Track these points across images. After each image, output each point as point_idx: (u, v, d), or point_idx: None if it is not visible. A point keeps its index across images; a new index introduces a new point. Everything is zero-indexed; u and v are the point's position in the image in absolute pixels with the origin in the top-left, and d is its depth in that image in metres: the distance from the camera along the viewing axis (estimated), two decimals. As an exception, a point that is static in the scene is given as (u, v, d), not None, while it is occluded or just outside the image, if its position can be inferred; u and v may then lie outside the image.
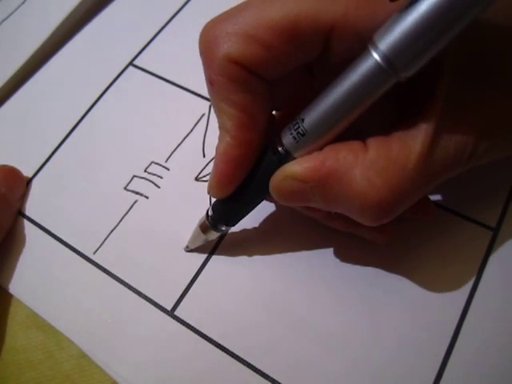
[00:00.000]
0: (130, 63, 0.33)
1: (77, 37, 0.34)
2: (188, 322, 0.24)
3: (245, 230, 0.26)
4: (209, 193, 0.22)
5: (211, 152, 0.29)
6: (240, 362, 0.23)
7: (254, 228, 0.26)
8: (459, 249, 0.25)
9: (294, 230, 0.26)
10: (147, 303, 0.25)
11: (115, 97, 0.31)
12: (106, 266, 0.26)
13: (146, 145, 0.29)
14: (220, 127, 0.21)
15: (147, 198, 0.28)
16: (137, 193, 0.28)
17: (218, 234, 0.24)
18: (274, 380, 0.23)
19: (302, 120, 0.19)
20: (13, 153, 0.30)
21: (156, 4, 0.35)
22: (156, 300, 0.25)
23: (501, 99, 0.19)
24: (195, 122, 0.30)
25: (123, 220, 0.27)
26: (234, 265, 0.25)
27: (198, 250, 0.26)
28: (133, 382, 0.23)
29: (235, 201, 0.22)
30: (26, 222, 0.28)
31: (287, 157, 0.20)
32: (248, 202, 0.22)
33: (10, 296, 0.26)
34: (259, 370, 0.23)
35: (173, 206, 0.27)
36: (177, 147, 0.29)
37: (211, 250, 0.26)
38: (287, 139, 0.20)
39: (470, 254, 0.24)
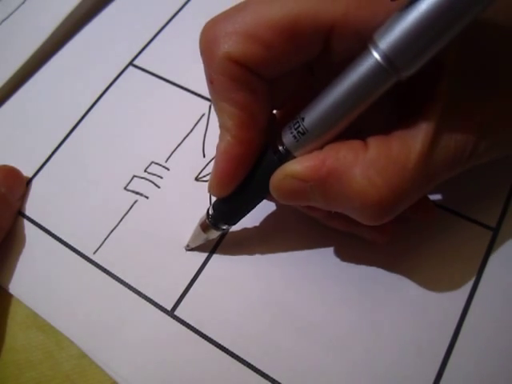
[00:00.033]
0: (130, 63, 0.33)
1: (77, 37, 0.34)
2: (188, 322, 0.24)
3: (245, 229, 0.26)
4: (209, 192, 0.22)
5: (211, 152, 0.29)
6: (240, 362, 0.23)
7: (255, 227, 0.26)
8: (459, 249, 0.25)
9: (295, 230, 0.26)
10: (147, 303, 0.25)
11: (115, 97, 0.31)
12: (106, 266, 0.26)
13: (146, 145, 0.29)
14: (220, 126, 0.21)
15: (147, 198, 0.28)
16: (137, 193, 0.28)
17: (219, 233, 0.24)
18: (273, 380, 0.23)
19: (303, 119, 0.19)
20: (13, 153, 0.30)
21: (156, 4, 0.35)
22: (156, 300, 0.25)
23: (501, 99, 0.19)
24: (195, 122, 0.30)
25: (123, 220, 0.27)
26: (234, 264, 0.25)
27: (199, 248, 0.26)
28: (133, 382, 0.23)
29: (236, 200, 0.22)
30: (26, 222, 0.28)
31: (287, 156, 0.20)
32: (248, 200, 0.22)
33: (10, 296, 0.26)
34: (259, 370, 0.23)
35: (173, 206, 0.27)
36: (177, 147, 0.29)
37: (212, 249, 0.26)
38: (287, 138, 0.20)
39: (470, 253, 0.24)
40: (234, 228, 0.25)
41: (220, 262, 0.25)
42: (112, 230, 0.27)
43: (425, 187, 0.19)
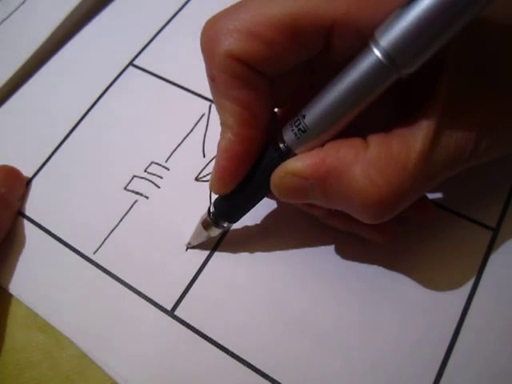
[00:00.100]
0: (130, 63, 0.33)
1: (77, 37, 0.34)
2: (188, 322, 0.24)
3: (247, 227, 0.26)
4: (210, 189, 0.22)
5: (211, 152, 0.29)
6: (240, 362, 0.23)
7: (256, 225, 0.26)
8: (459, 249, 0.25)
9: (296, 228, 0.26)
10: (147, 303, 0.25)
11: (115, 97, 0.31)
12: (106, 266, 0.26)
13: (146, 145, 0.29)
14: (222, 124, 0.21)
15: (147, 198, 0.28)
16: (137, 193, 0.28)
17: (220, 231, 0.24)
18: (273, 380, 0.23)
19: (303, 116, 0.19)
20: (13, 153, 0.30)
21: (156, 4, 0.35)
22: (156, 300, 0.25)
23: (501, 97, 0.19)
24: (195, 122, 0.30)
25: (123, 220, 0.27)
26: (234, 264, 0.25)
27: (200, 246, 0.26)
28: (133, 382, 0.23)
29: (237, 197, 0.22)
30: (26, 222, 0.28)
31: (288, 153, 0.20)
32: (249, 198, 0.22)
33: (10, 296, 0.26)
34: (259, 370, 0.23)
35: (173, 206, 0.27)
36: (177, 147, 0.29)
37: (213, 247, 0.26)
38: (288, 135, 0.20)
39: (469, 253, 0.24)
40: (236, 226, 0.25)
41: (220, 261, 0.25)
42: (112, 230, 0.27)
43: (425, 186, 0.19)
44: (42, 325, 0.25)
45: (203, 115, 0.30)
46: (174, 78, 0.32)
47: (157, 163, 0.29)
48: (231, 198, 0.22)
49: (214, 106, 0.30)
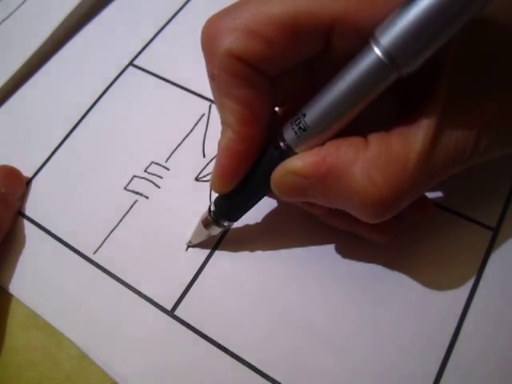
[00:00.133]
0: (130, 63, 0.33)
1: (77, 37, 0.34)
2: (188, 322, 0.24)
3: (247, 226, 0.26)
4: (211, 188, 0.22)
5: (211, 152, 0.29)
6: (240, 362, 0.23)
7: (257, 224, 0.26)
8: (459, 249, 0.25)
9: (296, 227, 0.26)
10: (147, 303, 0.25)
11: (115, 97, 0.31)
12: (105, 266, 0.26)
13: (146, 145, 0.29)
14: (222, 122, 0.21)
15: (147, 198, 0.28)
16: (137, 193, 0.28)
17: (221, 230, 0.24)
18: (273, 380, 0.23)
19: (304, 115, 0.19)
20: (13, 153, 0.30)
21: (156, 4, 0.35)
22: (156, 300, 0.25)
23: (501, 97, 0.19)
24: (195, 122, 0.30)
25: (123, 220, 0.27)
26: (234, 263, 0.25)
27: (201, 245, 0.26)
28: (133, 382, 0.23)
29: (237, 196, 0.22)
30: (26, 222, 0.28)
31: (289, 152, 0.20)
32: (250, 197, 0.22)
33: (10, 296, 0.26)
34: (259, 370, 0.23)
35: (173, 206, 0.27)
36: (177, 147, 0.29)
37: (214, 245, 0.26)
38: (289, 134, 0.20)
39: (470, 254, 0.24)
40: (236, 225, 0.25)
41: (221, 261, 0.25)
42: (112, 230, 0.27)
43: (425, 185, 0.19)
44: (42, 325, 0.25)
45: (203, 115, 0.30)
46: (174, 78, 0.32)
47: (157, 163, 0.29)
48: (232, 197, 0.22)
49: (214, 106, 0.30)
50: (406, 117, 0.18)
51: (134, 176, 0.28)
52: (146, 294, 0.25)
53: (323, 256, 0.25)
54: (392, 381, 0.22)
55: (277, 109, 0.23)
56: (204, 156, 0.29)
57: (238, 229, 0.26)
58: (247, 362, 0.23)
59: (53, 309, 0.25)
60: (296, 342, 0.23)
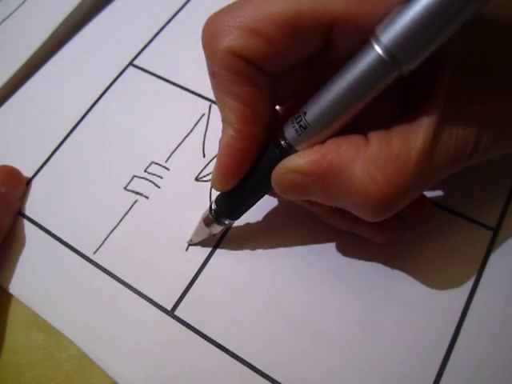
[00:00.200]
0: (130, 63, 0.33)
1: (77, 37, 0.34)
2: (188, 322, 0.24)
3: (248, 225, 0.26)
4: (212, 186, 0.22)
5: (211, 152, 0.29)
6: (240, 361, 0.23)
7: (258, 223, 0.26)
8: (459, 249, 0.25)
9: (297, 226, 0.26)
10: (147, 303, 0.25)
11: (115, 97, 0.31)
12: (105, 266, 0.26)
13: (146, 145, 0.29)
14: (223, 120, 0.21)
15: (147, 198, 0.28)
16: (137, 193, 0.28)
17: (222, 228, 0.24)
18: (273, 380, 0.23)
19: (305, 113, 0.19)
20: (13, 153, 0.30)
21: (156, 4, 0.35)
22: (156, 300, 0.25)
23: (501, 95, 0.19)
24: (195, 122, 0.30)
25: (123, 220, 0.27)
26: (235, 263, 0.25)
27: (202, 244, 0.26)
28: (133, 382, 0.23)
29: (238, 194, 0.22)
30: (26, 222, 0.28)
31: (289, 150, 0.20)
32: (251, 195, 0.22)
33: (10, 296, 0.26)
34: (259, 370, 0.23)
35: (173, 206, 0.27)
36: (177, 147, 0.29)
37: (215, 244, 0.26)
38: (289, 132, 0.20)
39: (469, 254, 0.24)
40: (237, 223, 0.25)
41: (221, 261, 0.25)
42: (112, 230, 0.27)
43: (425, 184, 0.19)
44: (42, 325, 0.25)
45: (203, 115, 0.30)
46: (174, 78, 0.32)
47: (157, 163, 0.29)
48: (232, 195, 0.22)
49: (214, 106, 0.30)
50: (407, 115, 0.18)
51: (134, 176, 0.28)
52: (146, 294, 0.25)
53: (323, 255, 0.25)
54: (392, 380, 0.22)
55: (278, 107, 0.23)
56: (204, 156, 0.29)
57: (238, 227, 0.26)
58: (247, 362, 0.23)
59: (53, 309, 0.25)
60: (296, 342, 0.23)
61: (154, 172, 0.28)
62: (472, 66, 0.18)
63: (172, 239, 0.26)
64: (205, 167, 0.28)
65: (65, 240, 0.27)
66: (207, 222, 0.24)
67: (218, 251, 0.26)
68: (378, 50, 0.16)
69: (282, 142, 0.20)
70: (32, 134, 0.31)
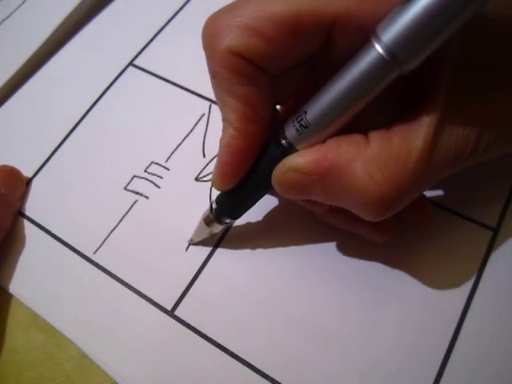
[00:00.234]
0: (130, 63, 0.33)
1: (77, 37, 0.34)
2: (188, 322, 0.24)
3: (249, 224, 0.26)
4: (212, 185, 0.22)
5: (211, 152, 0.29)
6: (240, 361, 0.23)
7: (258, 222, 0.26)
8: (459, 249, 0.25)
9: (298, 226, 0.26)
10: (147, 303, 0.25)
11: (115, 97, 0.31)
12: (105, 266, 0.26)
13: (146, 145, 0.29)
14: (223, 120, 0.21)
15: (147, 198, 0.28)
16: (137, 193, 0.28)
17: (222, 227, 0.24)
18: (273, 380, 0.23)
19: (305, 112, 0.19)
20: (13, 153, 0.30)
21: (156, 4, 0.35)
22: (156, 300, 0.25)
23: (501, 95, 0.19)
24: (195, 122, 0.30)
25: (123, 220, 0.27)
26: (235, 263, 0.25)
27: (202, 243, 0.26)
28: (133, 382, 0.23)
29: (239, 193, 0.22)
30: (26, 222, 0.28)
31: (290, 149, 0.20)
32: (251, 194, 0.22)
33: (10, 296, 0.26)
34: (259, 370, 0.23)
35: (173, 206, 0.27)
36: (177, 147, 0.29)
37: (215, 243, 0.26)
38: (290, 131, 0.20)
39: (469, 254, 0.24)
40: (238, 223, 0.25)
41: (221, 260, 0.25)
42: (112, 230, 0.27)
43: (426, 184, 0.19)
44: (42, 325, 0.25)
45: (203, 115, 0.30)
46: (174, 78, 0.32)
47: (157, 163, 0.29)
48: (233, 195, 0.22)
49: (214, 106, 0.30)
50: (407, 115, 0.18)
51: (134, 176, 0.28)
52: (146, 294, 0.25)
53: (324, 255, 0.25)
54: (392, 380, 0.22)
55: (278, 107, 0.23)
56: (204, 156, 0.29)
57: (239, 227, 0.26)
58: (247, 362, 0.23)
59: (53, 309, 0.25)
60: (296, 342, 0.23)
61: (154, 172, 0.28)
62: (472, 65, 0.18)
63: (172, 239, 0.26)
64: (205, 167, 0.28)
65: (65, 240, 0.27)
66: (208, 221, 0.24)
67: (219, 251, 0.26)
68: (379, 49, 0.16)
69: (283, 142, 0.20)
70: (32, 134, 0.31)
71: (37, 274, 0.26)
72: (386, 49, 0.16)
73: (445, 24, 0.16)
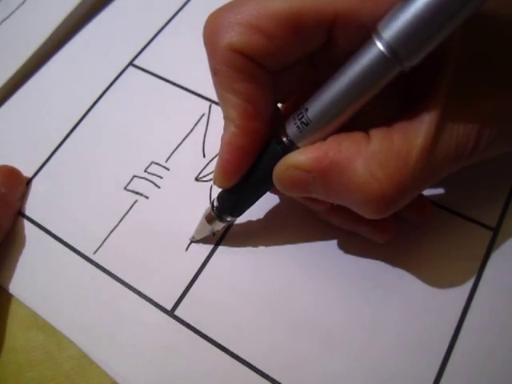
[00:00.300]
0: (130, 63, 0.33)
1: (77, 37, 0.34)
2: (188, 322, 0.24)
3: (250, 222, 0.26)
4: (214, 183, 0.22)
5: (211, 152, 0.29)
6: (240, 361, 0.23)
7: (260, 220, 0.26)
8: (459, 249, 0.25)
9: (299, 225, 0.26)
10: (147, 303, 0.25)
11: (115, 97, 0.31)
12: (105, 266, 0.26)
13: (146, 145, 0.29)
14: (225, 117, 0.21)
15: (147, 198, 0.28)
16: (137, 193, 0.28)
17: (224, 225, 0.24)
18: (274, 380, 0.22)
19: (306, 110, 0.19)
20: (13, 153, 0.30)
21: (156, 4, 0.35)
22: (156, 300, 0.25)
23: (501, 92, 0.19)
24: (195, 122, 0.30)
25: (123, 220, 0.27)
26: (235, 263, 0.25)
27: (204, 241, 0.26)
28: (133, 382, 0.23)
29: (240, 191, 0.22)
30: (26, 222, 0.28)
31: (291, 147, 0.20)
32: (252, 191, 0.22)
33: (10, 296, 0.26)
34: (259, 370, 0.23)
35: (173, 206, 0.27)
36: (177, 147, 0.29)
37: (217, 241, 0.26)
38: (291, 129, 0.20)
39: (469, 254, 0.24)
40: (239, 221, 0.25)
41: (221, 260, 0.25)
42: (112, 230, 0.27)
43: (426, 182, 0.19)
44: (42, 325, 0.25)
45: (203, 115, 0.30)
46: (174, 78, 0.32)
47: (157, 163, 0.29)
48: (234, 192, 0.22)
49: (214, 106, 0.30)
50: (408, 112, 0.18)
51: (134, 176, 0.28)
52: (146, 294, 0.25)
53: (324, 253, 0.25)
54: (392, 380, 0.22)
55: (279, 105, 0.23)
56: (204, 156, 0.29)
57: (240, 225, 0.26)
58: (247, 362, 0.23)
59: (53, 309, 0.25)
60: (296, 342, 0.23)
61: (154, 172, 0.28)
62: (473, 63, 0.18)
63: (172, 239, 0.26)
64: (205, 167, 0.28)
65: (65, 240, 0.27)
66: (209, 218, 0.24)
67: (219, 250, 0.26)
68: (380, 46, 0.16)
69: (284, 139, 0.20)
70: (32, 134, 0.31)
71: (37, 274, 0.26)
72: (387, 46, 0.16)
73: (445, 21, 0.16)
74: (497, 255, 0.24)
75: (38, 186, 0.29)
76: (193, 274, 0.25)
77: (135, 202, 0.28)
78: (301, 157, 0.19)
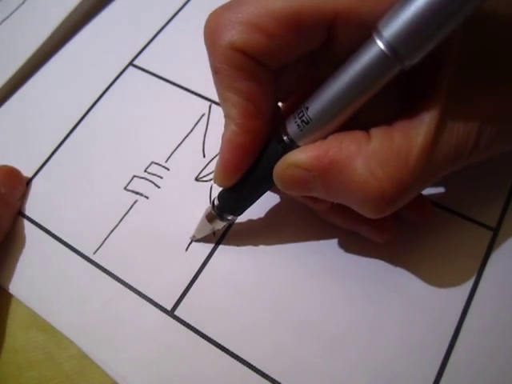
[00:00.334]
0: (130, 63, 0.33)
1: (77, 37, 0.34)
2: (188, 322, 0.24)
3: (251, 221, 0.26)
4: (214, 182, 0.22)
5: (211, 152, 0.29)
6: (240, 361, 0.23)
7: (260, 219, 0.26)
8: (459, 248, 0.25)
9: (299, 223, 0.26)
10: (147, 303, 0.25)
11: (115, 97, 0.31)
12: (106, 266, 0.26)
13: (146, 145, 0.29)
14: (225, 116, 0.21)
15: (147, 198, 0.28)
16: (137, 193, 0.28)
17: (224, 224, 0.24)
18: (273, 380, 0.22)
19: (307, 108, 0.19)
20: (13, 153, 0.30)
21: (156, 4, 0.35)
22: (156, 300, 0.25)
23: (502, 91, 0.19)
24: (195, 122, 0.30)
25: (123, 220, 0.27)
26: (235, 263, 0.25)
27: (205, 240, 0.26)
28: (133, 382, 0.23)
29: (240, 190, 0.22)
30: (26, 222, 0.28)
31: (291, 145, 0.20)
32: (253, 190, 0.22)
33: (10, 296, 0.26)
34: (259, 370, 0.23)
35: (173, 206, 0.27)
36: (177, 147, 0.29)
37: (217, 240, 0.26)
38: (291, 127, 0.20)
39: (470, 253, 0.24)
40: (239, 220, 0.25)
41: (222, 259, 0.25)
42: (112, 230, 0.27)
43: (426, 181, 0.19)
44: (42, 325, 0.25)
45: (203, 115, 0.30)
46: (174, 78, 0.32)
47: (157, 163, 0.29)
48: (235, 191, 0.22)
49: (214, 106, 0.30)
50: (408, 111, 0.18)
51: (134, 176, 0.28)
52: (146, 294, 0.25)
53: (324, 252, 0.25)
54: (392, 381, 0.22)
55: (280, 104, 0.23)
56: (204, 156, 0.29)
57: (241, 224, 0.26)
58: (247, 362, 0.23)
59: (53, 309, 0.25)
60: (296, 342, 0.23)
61: (154, 172, 0.28)
62: (473, 61, 0.19)
63: (172, 239, 0.26)
64: (205, 167, 0.28)
65: (65, 240, 0.27)
66: (210, 217, 0.24)
67: (220, 249, 0.26)
68: (380, 44, 0.16)
69: (284, 138, 0.20)
70: (32, 134, 0.31)
71: (37, 274, 0.26)
72: (388, 44, 0.16)
73: (446, 20, 0.16)
74: (497, 255, 0.24)
75: (38, 186, 0.29)
76: (193, 274, 0.25)
77: (135, 202, 0.28)
78: (301, 155, 0.19)
